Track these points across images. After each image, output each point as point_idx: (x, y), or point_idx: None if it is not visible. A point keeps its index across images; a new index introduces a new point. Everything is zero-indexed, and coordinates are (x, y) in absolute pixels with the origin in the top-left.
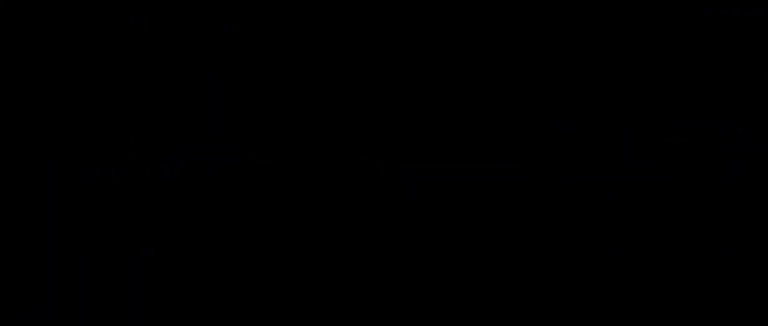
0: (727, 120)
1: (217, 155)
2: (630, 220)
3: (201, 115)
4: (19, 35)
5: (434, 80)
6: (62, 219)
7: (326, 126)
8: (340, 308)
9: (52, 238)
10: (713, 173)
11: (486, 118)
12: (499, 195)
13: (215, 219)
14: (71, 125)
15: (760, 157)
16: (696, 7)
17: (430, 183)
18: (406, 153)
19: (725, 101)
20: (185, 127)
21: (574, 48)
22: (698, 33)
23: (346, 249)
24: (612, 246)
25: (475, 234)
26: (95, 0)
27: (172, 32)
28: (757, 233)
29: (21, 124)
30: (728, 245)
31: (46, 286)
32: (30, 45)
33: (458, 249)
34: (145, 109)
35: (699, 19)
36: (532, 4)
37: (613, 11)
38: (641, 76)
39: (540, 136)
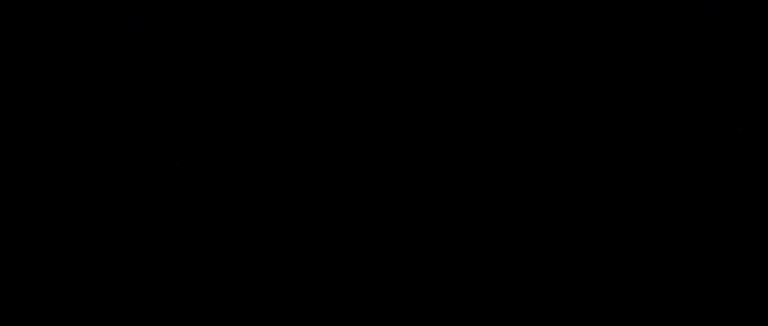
0: (727, 120)
1: (217, 155)
2: (630, 220)
3: (201, 115)
4: (19, 35)
5: (434, 80)
6: (62, 219)
7: (326, 126)
8: (340, 308)
9: (52, 238)
10: (713, 173)
11: (486, 118)
12: (499, 195)
13: (215, 219)
14: (71, 125)
15: (760, 157)
16: (696, 7)
17: (430, 183)
18: (406, 153)
19: (725, 101)
20: (185, 127)
21: (574, 48)
22: (698, 33)
23: (346, 249)
24: (612, 246)
25: (475, 234)
26: (95, 0)
27: (172, 32)
28: (757, 233)
29: (21, 124)
30: (728, 245)
31: (46, 286)
32: (30, 45)
33: (458, 250)
34: (145, 109)
35: (699, 19)
36: (532, 4)
37: (613, 11)
38: (641, 76)
39: (540, 136)
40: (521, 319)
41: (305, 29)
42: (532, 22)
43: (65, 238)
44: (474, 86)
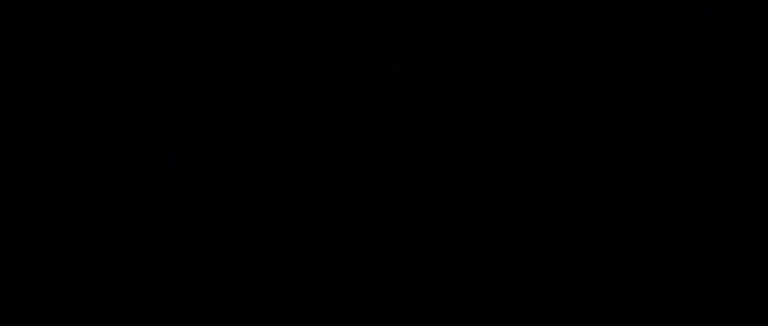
0: (727, 120)
1: (217, 155)
2: (630, 220)
3: (201, 115)
4: (19, 35)
5: (434, 80)
6: (62, 219)
7: (326, 126)
8: (340, 308)
9: (52, 238)
10: (713, 173)
11: (486, 118)
12: (499, 195)
13: (215, 219)
14: (71, 125)
15: (760, 157)
16: (696, 7)
17: (430, 183)
18: (406, 153)
19: (725, 101)
20: (185, 127)
21: (574, 48)
22: (698, 33)
23: (346, 250)
24: (612, 246)
25: (475, 234)
26: (95, 0)
27: (172, 32)
28: (757, 233)
29: (21, 124)
30: (728, 245)
31: (46, 286)
32: (30, 45)
33: (458, 250)
34: (145, 109)
35: (699, 19)
36: (532, 4)
37: (613, 11)
38: (641, 76)
39: (540, 136)
40: (521, 319)
41: (305, 29)
42: (532, 21)
43: (65, 238)
44: (474, 86)
